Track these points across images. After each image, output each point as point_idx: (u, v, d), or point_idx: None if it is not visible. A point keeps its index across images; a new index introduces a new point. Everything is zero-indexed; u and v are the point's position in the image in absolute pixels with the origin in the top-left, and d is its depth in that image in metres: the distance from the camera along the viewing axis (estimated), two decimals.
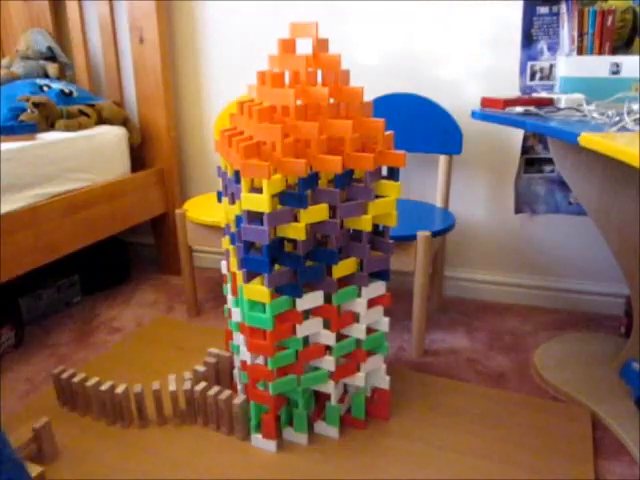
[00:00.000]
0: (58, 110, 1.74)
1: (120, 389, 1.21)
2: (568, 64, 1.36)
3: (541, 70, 1.55)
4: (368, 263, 1.11)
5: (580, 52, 1.40)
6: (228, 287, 1.24)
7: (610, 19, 1.37)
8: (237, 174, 1.02)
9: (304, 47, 1.11)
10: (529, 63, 1.56)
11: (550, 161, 1.61)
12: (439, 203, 1.67)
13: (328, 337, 1.12)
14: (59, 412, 1.28)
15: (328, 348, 1.14)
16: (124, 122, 1.93)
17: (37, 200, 1.53)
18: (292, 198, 1.01)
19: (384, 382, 1.22)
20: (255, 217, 1.02)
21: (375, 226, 1.13)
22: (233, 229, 1.12)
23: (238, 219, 1.06)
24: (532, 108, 1.21)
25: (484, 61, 1.65)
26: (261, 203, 0.98)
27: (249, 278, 1.06)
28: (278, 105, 1.03)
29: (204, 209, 1.67)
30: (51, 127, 1.73)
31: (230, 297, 1.22)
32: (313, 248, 1.07)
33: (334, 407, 1.18)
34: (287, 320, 1.09)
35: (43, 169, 1.56)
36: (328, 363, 1.14)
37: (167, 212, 2.04)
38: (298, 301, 1.07)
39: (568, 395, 1.32)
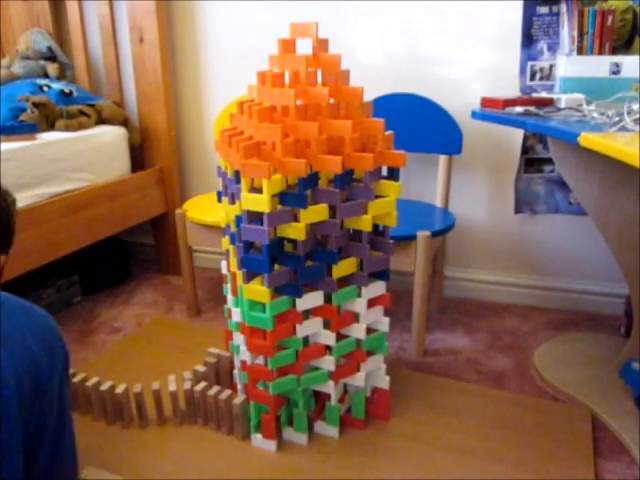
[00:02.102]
0: (58, 110, 1.74)
1: (120, 389, 1.21)
2: (568, 64, 1.36)
3: (541, 70, 1.55)
4: (368, 263, 1.11)
5: (580, 52, 1.40)
6: (228, 287, 1.24)
7: (610, 19, 1.37)
8: (237, 174, 1.02)
9: (304, 47, 1.11)
10: (529, 63, 1.56)
11: (550, 161, 1.61)
12: (439, 203, 1.67)
13: (328, 337, 1.12)
14: None
15: (328, 348, 1.14)
16: (124, 122, 1.93)
17: (37, 200, 1.53)
18: (292, 198, 1.01)
19: (384, 382, 1.22)
20: (255, 217, 1.02)
21: (375, 226, 1.13)
22: (233, 229, 1.12)
23: (238, 219, 1.06)
24: (532, 108, 1.21)
25: (484, 61, 1.65)
26: (261, 203, 0.98)
27: (249, 278, 1.06)
28: (278, 105, 1.03)
29: (204, 209, 1.67)
30: (51, 127, 1.73)
31: (230, 297, 1.22)
32: (313, 248, 1.07)
33: (334, 407, 1.18)
34: (287, 320, 1.09)
35: (43, 169, 1.56)
36: (328, 363, 1.14)
37: (167, 212, 2.04)
38: (298, 301, 1.07)
39: (568, 395, 1.32)
